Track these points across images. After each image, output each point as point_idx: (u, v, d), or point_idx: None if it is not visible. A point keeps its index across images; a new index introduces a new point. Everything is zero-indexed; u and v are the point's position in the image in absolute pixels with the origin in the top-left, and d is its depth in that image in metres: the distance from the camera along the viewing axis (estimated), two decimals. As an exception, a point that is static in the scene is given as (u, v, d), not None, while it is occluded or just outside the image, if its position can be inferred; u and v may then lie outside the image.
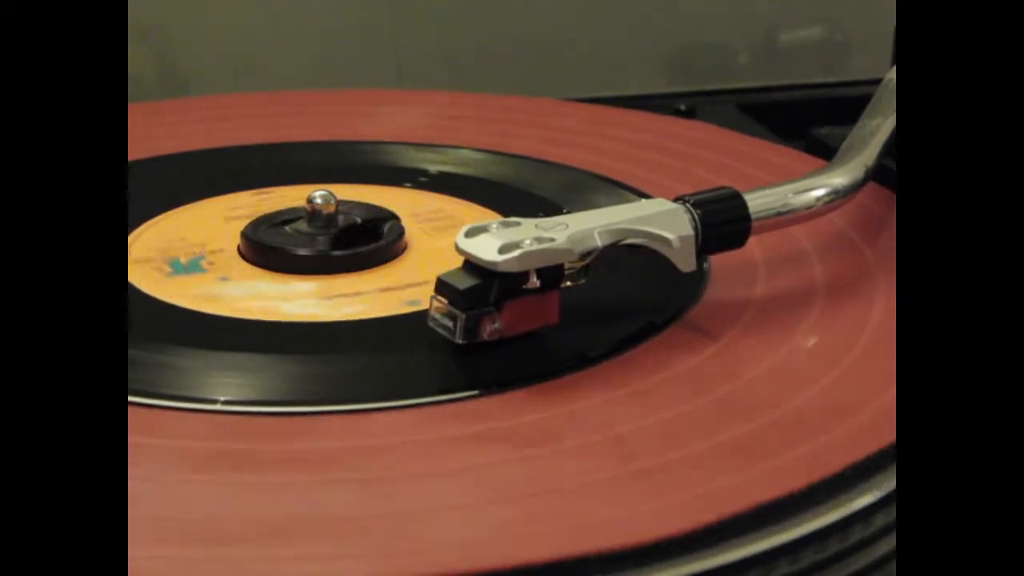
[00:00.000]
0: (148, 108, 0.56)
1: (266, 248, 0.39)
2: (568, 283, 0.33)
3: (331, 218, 0.40)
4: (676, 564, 0.26)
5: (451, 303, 0.32)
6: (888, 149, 0.41)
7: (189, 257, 0.40)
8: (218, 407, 0.31)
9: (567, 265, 0.33)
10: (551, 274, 0.32)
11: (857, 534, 0.28)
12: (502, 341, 0.32)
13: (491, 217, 0.38)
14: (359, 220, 0.40)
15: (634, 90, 0.71)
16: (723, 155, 0.50)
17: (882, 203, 0.44)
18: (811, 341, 0.35)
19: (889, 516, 0.28)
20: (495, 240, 0.32)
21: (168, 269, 0.39)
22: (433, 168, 0.49)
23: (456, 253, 0.32)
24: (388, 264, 0.39)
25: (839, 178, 0.38)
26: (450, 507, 0.27)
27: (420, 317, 0.34)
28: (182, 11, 0.67)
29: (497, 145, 0.51)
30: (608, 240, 0.33)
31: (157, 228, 0.43)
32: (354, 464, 0.29)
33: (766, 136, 0.57)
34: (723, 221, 0.35)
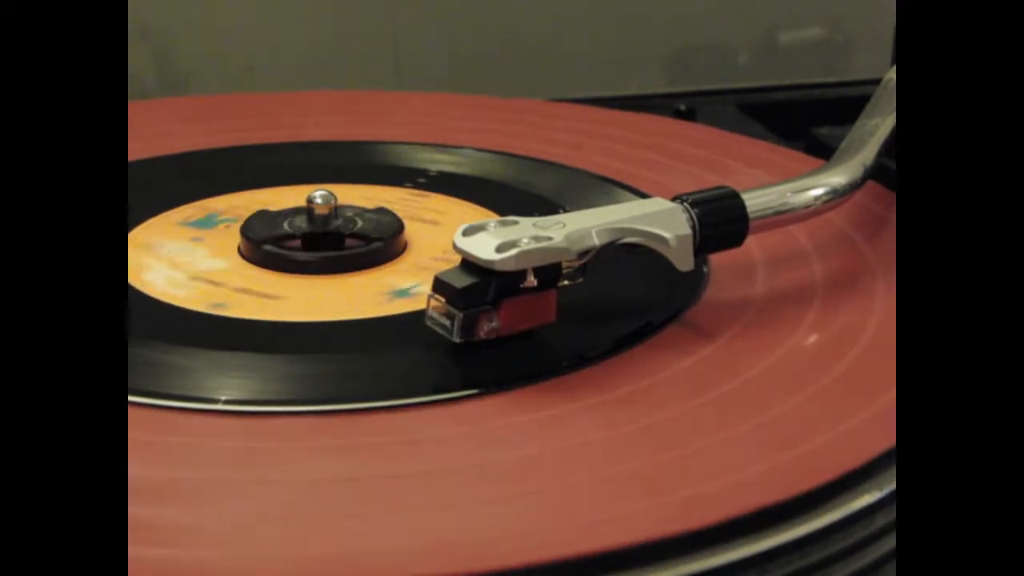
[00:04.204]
0: (148, 107, 0.56)
1: (242, 232, 0.40)
2: (566, 282, 0.33)
3: (327, 219, 0.40)
4: (675, 565, 0.26)
5: (448, 302, 0.32)
6: (887, 149, 0.41)
7: (226, 216, 0.42)
8: (219, 406, 0.31)
9: (565, 264, 0.33)
10: (549, 273, 0.32)
11: (856, 534, 0.28)
12: (499, 340, 0.32)
13: (490, 217, 0.38)
14: (354, 227, 0.40)
15: (634, 90, 0.72)
16: (723, 155, 0.50)
17: (882, 202, 0.44)
18: (810, 341, 0.35)
19: (889, 517, 0.28)
20: (492, 239, 0.32)
21: (197, 218, 0.42)
22: (433, 168, 0.49)
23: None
24: (328, 275, 0.39)
25: (838, 177, 0.38)
26: (447, 507, 0.27)
27: (417, 316, 0.34)
28: (182, 11, 0.67)
29: (497, 145, 0.51)
30: (606, 239, 0.33)
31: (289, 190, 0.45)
32: (351, 463, 0.29)
33: (766, 136, 0.57)
34: (721, 220, 0.35)
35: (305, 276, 0.38)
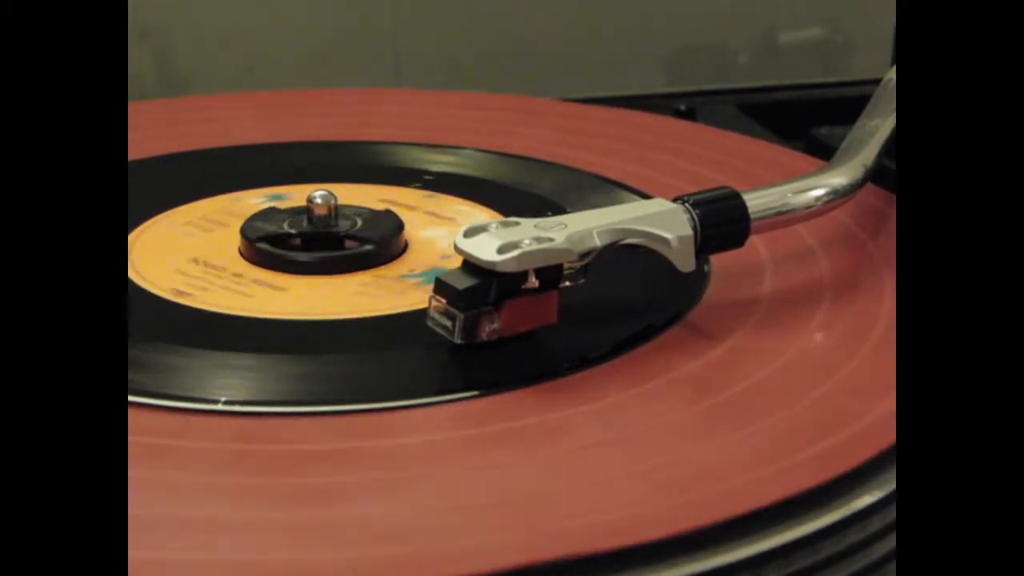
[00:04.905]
0: (148, 107, 0.56)
1: (242, 232, 0.40)
2: (567, 283, 0.33)
3: (327, 219, 0.40)
4: (676, 565, 0.26)
5: (450, 303, 0.32)
6: (887, 149, 0.41)
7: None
8: (219, 407, 0.31)
9: (566, 265, 0.33)
10: (550, 274, 0.32)
11: (853, 536, 0.28)
12: (501, 341, 0.32)
13: (491, 217, 0.38)
14: (354, 227, 0.40)
15: (634, 90, 0.71)
16: (723, 155, 0.50)
17: (884, 200, 0.44)
18: (814, 342, 0.35)
19: (889, 517, 0.28)
20: (494, 240, 0.32)
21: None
22: (433, 168, 0.49)
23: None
24: (329, 275, 0.39)
25: (838, 178, 0.38)
26: (448, 508, 0.27)
27: (419, 316, 0.34)
28: (182, 11, 0.67)
29: (497, 145, 0.51)
30: (607, 240, 0.33)
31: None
32: (352, 465, 0.29)
33: (766, 136, 0.57)
34: (722, 221, 0.35)
35: (305, 276, 0.38)
